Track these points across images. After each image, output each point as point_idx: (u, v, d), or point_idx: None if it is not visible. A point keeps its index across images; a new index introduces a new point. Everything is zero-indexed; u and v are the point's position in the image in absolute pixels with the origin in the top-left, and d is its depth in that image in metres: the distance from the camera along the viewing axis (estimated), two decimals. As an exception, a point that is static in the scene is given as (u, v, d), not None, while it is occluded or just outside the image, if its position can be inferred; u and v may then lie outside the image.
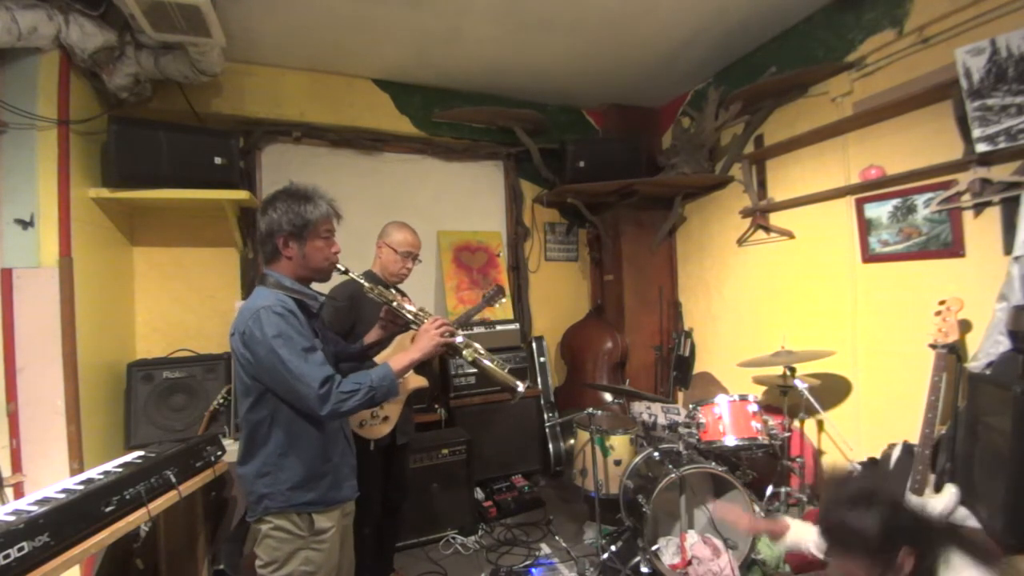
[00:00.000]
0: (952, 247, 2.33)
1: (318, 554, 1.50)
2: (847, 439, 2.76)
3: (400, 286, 2.41)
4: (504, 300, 2.78)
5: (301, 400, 1.41)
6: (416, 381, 2.38)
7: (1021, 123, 1.99)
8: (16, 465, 2.12)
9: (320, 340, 1.58)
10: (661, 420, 2.92)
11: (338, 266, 1.62)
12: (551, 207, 4.25)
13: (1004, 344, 2.00)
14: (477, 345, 1.67)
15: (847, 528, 1.10)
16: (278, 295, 1.48)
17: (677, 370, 3.84)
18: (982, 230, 2.23)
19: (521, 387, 1.65)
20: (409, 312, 1.70)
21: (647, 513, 2.34)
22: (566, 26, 2.94)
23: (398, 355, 1.57)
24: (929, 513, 1.06)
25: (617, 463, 2.80)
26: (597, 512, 2.60)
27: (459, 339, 1.63)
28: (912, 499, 0.98)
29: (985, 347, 2.08)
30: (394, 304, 1.71)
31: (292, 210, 1.50)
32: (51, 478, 2.01)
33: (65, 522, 1.35)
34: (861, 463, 2.42)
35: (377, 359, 1.95)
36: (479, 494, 3.33)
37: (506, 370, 1.67)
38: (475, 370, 1.75)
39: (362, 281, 1.68)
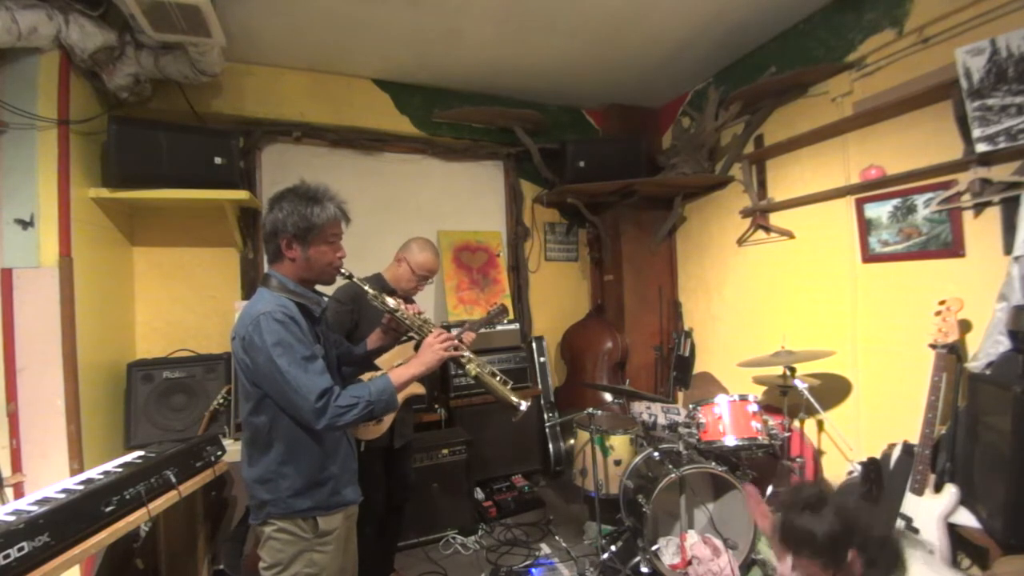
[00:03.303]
0: (952, 247, 2.32)
1: (322, 556, 1.50)
2: (847, 439, 2.76)
3: None
4: (508, 318, 2.77)
5: (297, 411, 1.39)
6: (412, 388, 2.37)
7: (1021, 123, 1.99)
8: (16, 465, 2.12)
9: (322, 345, 1.56)
10: (661, 420, 2.93)
11: (342, 270, 1.58)
12: (551, 207, 4.25)
13: (1004, 344, 2.01)
14: (480, 360, 1.65)
15: (797, 530, 1.21)
16: (279, 299, 1.46)
17: (677, 370, 3.84)
18: (982, 230, 2.23)
19: (524, 406, 1.63)
20: (412, 322, 1.67)
21: (647, 513, 2.34)
22: (566, 26, 2.93)
23: (399, 368, 1.54)
24: (875, 519, 1.17)
25: (617, 463, 2.80)
26: (597, 512, 2.60)
27: (463, 354, 1.61)
28: (862, 509, 1.13)
29: (985, 347, 2.08)
30: (397, 313, 1.67)
31: (298, 211, 1.46)
32: (51, 478, 2.00)
33: (65, 522, 1.35)
34: (861, 463, 2.42)
35: (379, 361, 1.94)
36: (479, 494, 3.33)
37: (508, 386, 1.66)
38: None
39: (366, 288, 1.64)
